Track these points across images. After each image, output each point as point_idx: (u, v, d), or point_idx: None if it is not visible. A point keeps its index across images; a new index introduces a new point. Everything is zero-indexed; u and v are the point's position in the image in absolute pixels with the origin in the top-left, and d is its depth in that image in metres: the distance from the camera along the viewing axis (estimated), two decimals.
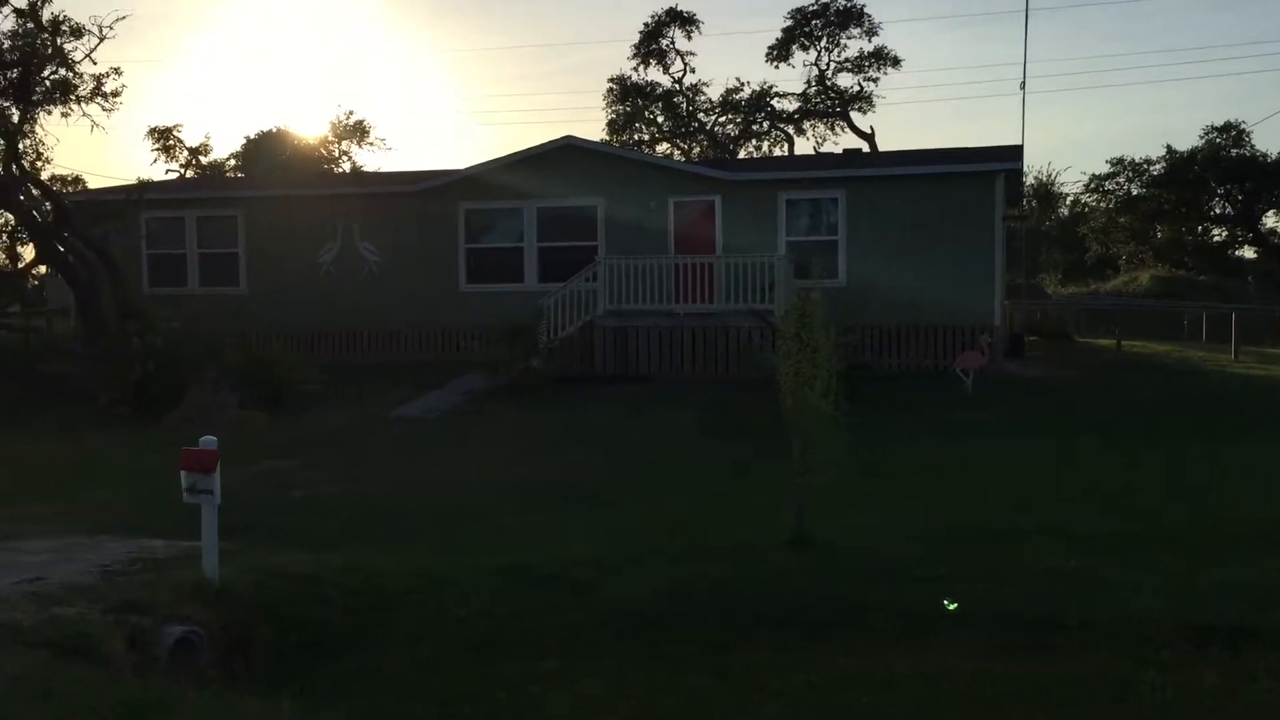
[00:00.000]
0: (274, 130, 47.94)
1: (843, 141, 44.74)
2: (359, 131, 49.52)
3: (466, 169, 23.52)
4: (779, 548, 8.50)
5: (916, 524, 9.37)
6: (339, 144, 49.41)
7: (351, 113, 49.83)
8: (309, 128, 52.64)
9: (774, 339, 18.22)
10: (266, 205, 24.51)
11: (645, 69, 45.54)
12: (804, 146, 45.71)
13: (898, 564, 8.10)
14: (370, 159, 49.94)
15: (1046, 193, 55.13)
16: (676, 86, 45.77)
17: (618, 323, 20.23)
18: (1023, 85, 34.82)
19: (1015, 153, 23.00)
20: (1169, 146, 50.00)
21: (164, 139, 45.94)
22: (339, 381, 19.28)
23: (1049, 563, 7.95)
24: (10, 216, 22.18)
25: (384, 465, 13.28)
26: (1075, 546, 8.36)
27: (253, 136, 47.45)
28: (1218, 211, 51.54)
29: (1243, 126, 49.62)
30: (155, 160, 46.32)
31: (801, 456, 8.73)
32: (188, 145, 46.24)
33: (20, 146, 22.38)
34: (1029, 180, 49.99)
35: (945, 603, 7.16)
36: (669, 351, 20.02)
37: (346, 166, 48.18)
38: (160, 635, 6.33)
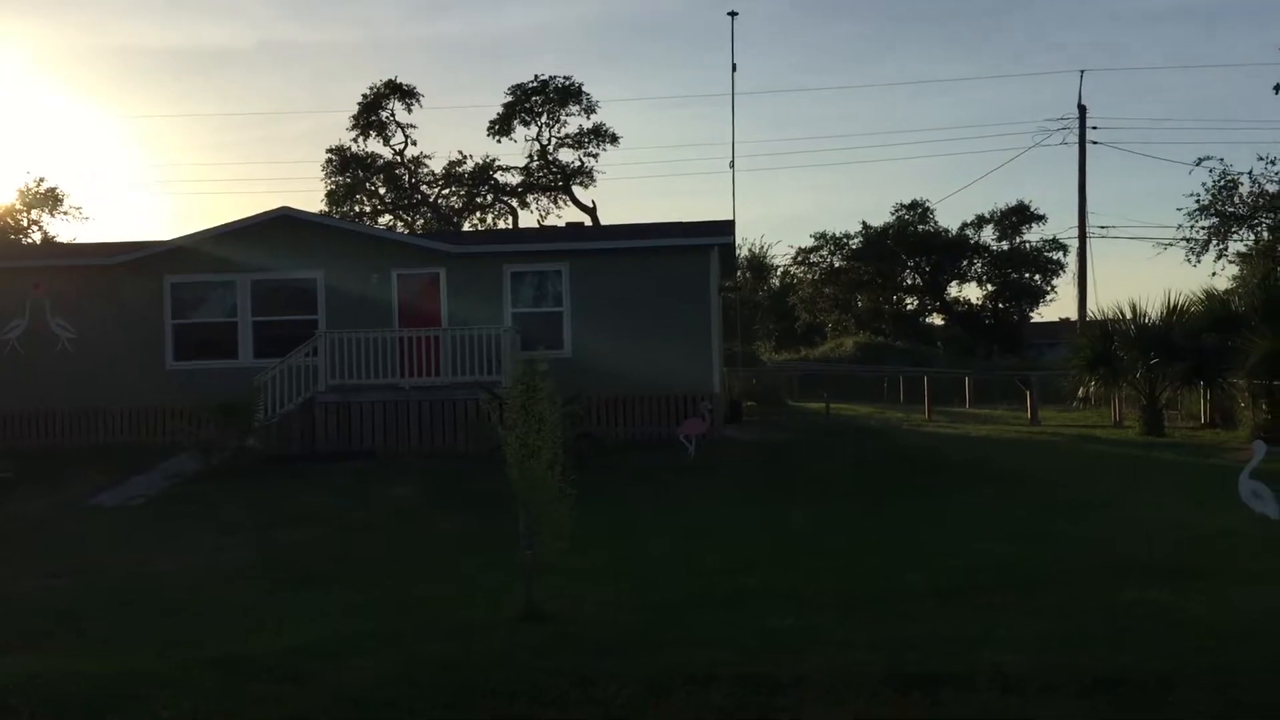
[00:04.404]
0: None
1: (566, 214, 45.71)
2: (51, 200, 46.19)
3: (172, 240, 22.34)
4: (510, 623, 8.41)
5: (647, 591, 9.51)
6: (28, 213, 45.89)
7: (42, 180, 46.46)
8: None
9: (501, 411, 18.26)
10: None
11: (365, 140, 45.02)
12: (528, 219, 46.38)
13: (629, 632, 8.17)
14: (65, 229, 46.65)
15: (759, 264, 58.21)
16: (398, 158, 45.45)
17: (340, 398, 19.64)
18: (731, 164, 36.70)
19: (727, 227, 24.14)
20: (864, 222, 54.14)
21: None
22: (30, 469, 17.76)
23: (771, 622, 8.24)
24: None
25: (79, 559, 12.22)
26: (797, 605, 8.71)
27: None
28: (909, 282, 56.01)
29: (927, 205, 54.37)
30: None
31: (529, 529, 8.70)
32: None
33: None
34: (743, 253, 52.59)
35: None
36: (394, 426, 19.61)
37: (37, 237, 44.74)
38: None
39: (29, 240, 43.95)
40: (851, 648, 7.34)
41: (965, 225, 53.97)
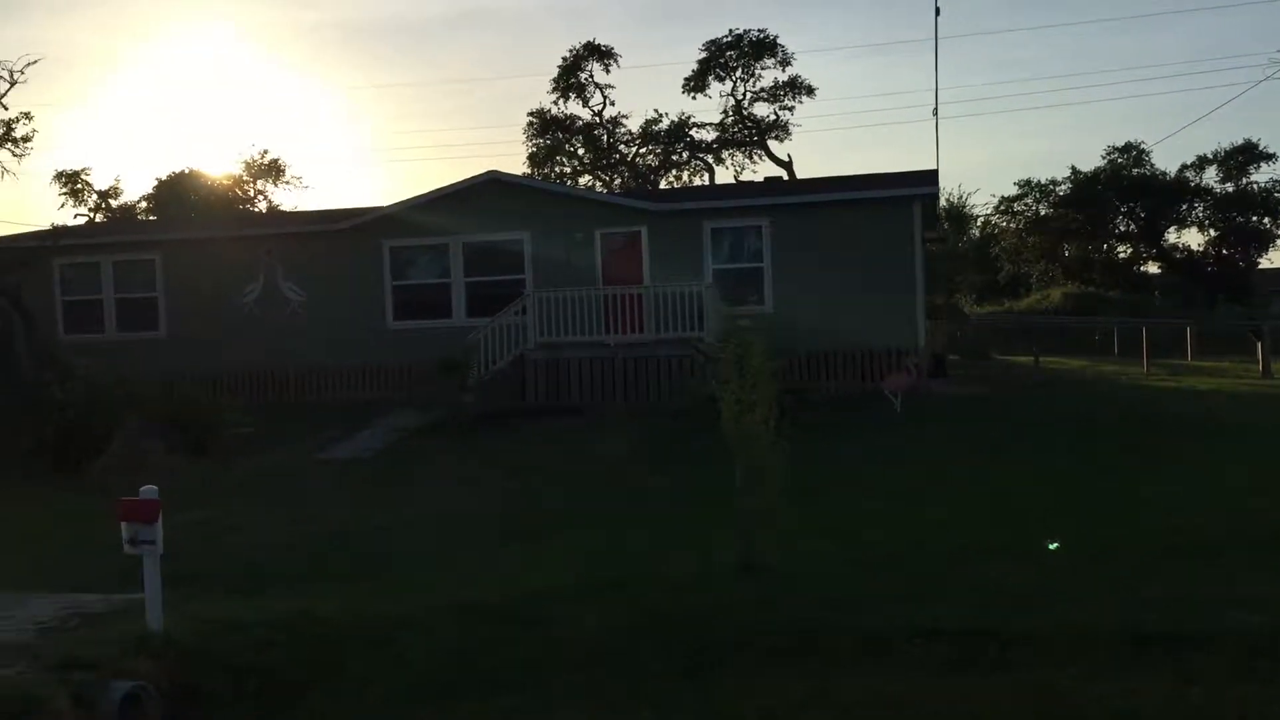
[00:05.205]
0: (185, 171, 47.18)
1: (761, 170, 45.36)
2: (274, 170, 48.94)
3: (390, 206, 23.38)
4: (727, 575, 8.55)
5: (861, 545, 9.50)
6: (254, 183, 48.78)
7: (266, 151, 49.21)
8: (221, 167, 51.85)
9: (705, 366, 18.38)
10: (185, 247, 24.12)
11: (565, 102, 45.75)
12: (724, 176, 46.26)
13: (846, 585, 8.20)
14: (287, 198, 49.36)
15: (958, 215, 56.32)
16: (596, 119, 46.04)
17: (549, 355, 20.21)
18: (935, 112, 35.36)
19: (931, 177, 23.52)
20: (1074, 167, 51.53)
21: (72, 183, 44.88)
22: (266, 424, 18.94)
23: (992, 578, 8.11)
24: None
25: (318, 508, 13.07)
26: (1015, 562, 8.54)
27: (164, 178, 46.63)
28: (1122, 229, 53.17)
29: (1142, 147, 51.32)
30: (63, 205, 45.16)
31: (746, 483, 8.81)
32: (96, 189, 45.22)
33: None
34: (941, 203, 51.03)
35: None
36: (600, 382, 20.05)
37: (263, 206, 47.54)
38: (107, 691, 6.18)
39: (256, 209, 46.76)
40: (1083, 605, 7.16)
41: (1185, 167, 50.74)
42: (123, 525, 6.88)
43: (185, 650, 6.93)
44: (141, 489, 6.94)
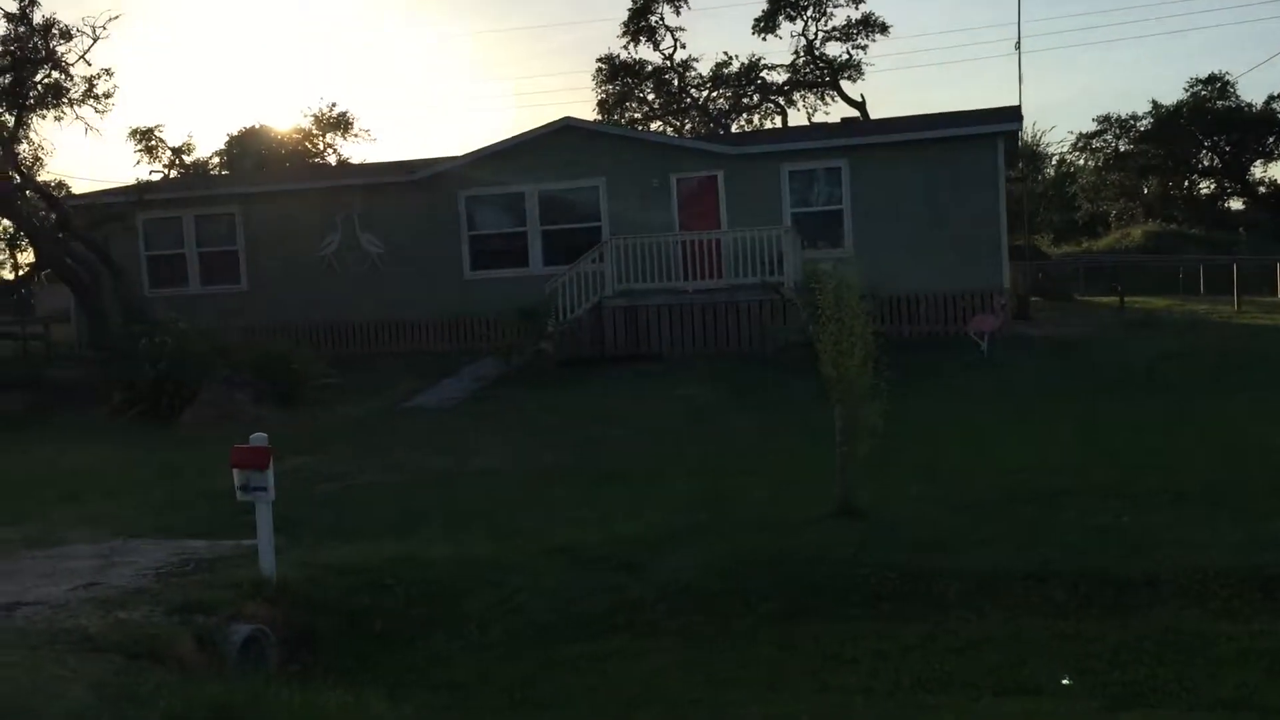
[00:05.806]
0: (256, 126, 47.61)
1: (834, 111, 44.55)
2: (343, 123, 49.12)
3: (464, 156, 23.36)
4: (825, 518, 8.49)
5: (957, 488, 9.38)
6: (323, 136, 49.03)
7: (334, 104, 49.39)
8: (289, 121, 52.20)
9: (789, 310, 18.20)
10: (264, 201, 24.35)
11: (635, 47, 45.23)
12: (796, 118, 45.51)
13: (945, 529, 8.11)
14: (356, 150, 49.57)
15: (1033, 153, 55.06)
16: (667, 63, 45.48)
17: (627, 302, 20.16)
18: (1018, 45, 34.18)
19: (1014, 114, 22.93)
20: (1154, 101, 50.02)
21: (146, 139, 45.42)
22: (349, 374, 19.17)
23: (1099, 520, 7.97)
24: (9, 223, 21.95)
25: (407, 456, 13.20)
26: (1123, 503, 8.37)
27: (235, 133, 47.11)
28: (1206, 164, 51.65)
29: (1227, 78, 49.64)
30: (138, 161, 45.73)
31: (844, 426, 8.72)
32: (170, 145, 45.76)
33: (18, 151, 22.17)
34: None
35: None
36: (679, 328, 19.97)
37: (332, 159, 47.84)
38: (228, 634, 6.32)
39: (325, 162, 47.07)
40: (1198, 547, 6.99)
41: (1273, 98, 48.98)
42: (235, 472, 6.99)
43: (299, 594, 7.07)
44: (252, 436, 7.02)
